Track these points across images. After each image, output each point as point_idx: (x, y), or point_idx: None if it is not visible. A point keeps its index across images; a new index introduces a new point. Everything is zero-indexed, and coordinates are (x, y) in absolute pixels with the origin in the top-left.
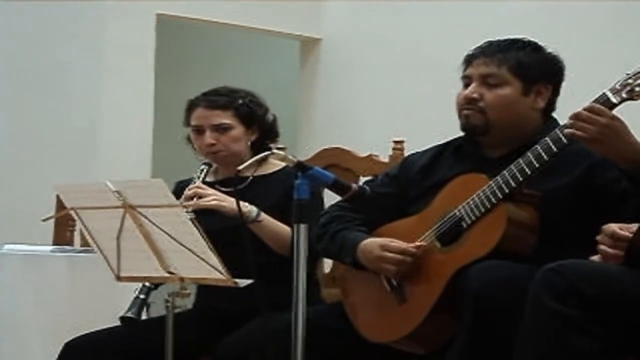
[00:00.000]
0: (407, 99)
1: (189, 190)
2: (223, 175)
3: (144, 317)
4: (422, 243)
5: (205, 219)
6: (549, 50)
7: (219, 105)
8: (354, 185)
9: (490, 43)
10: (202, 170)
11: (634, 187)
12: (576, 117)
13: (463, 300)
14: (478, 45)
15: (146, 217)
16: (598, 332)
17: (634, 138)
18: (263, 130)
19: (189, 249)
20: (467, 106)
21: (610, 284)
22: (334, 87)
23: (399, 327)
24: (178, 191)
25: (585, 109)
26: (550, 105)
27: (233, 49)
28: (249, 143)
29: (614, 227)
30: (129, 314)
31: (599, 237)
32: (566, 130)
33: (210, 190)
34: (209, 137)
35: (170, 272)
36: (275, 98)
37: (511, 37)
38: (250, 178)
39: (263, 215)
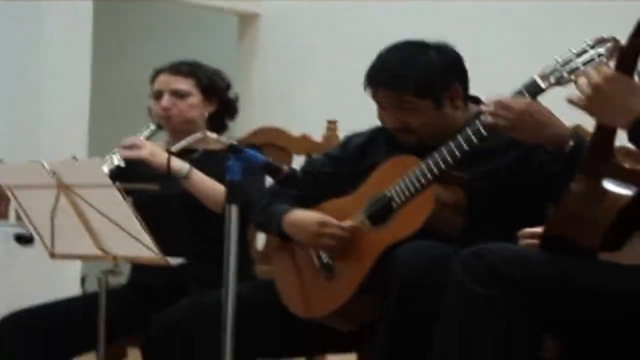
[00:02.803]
0: (344, 78)
1: (128, 140)
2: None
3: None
4: (356, 223)
5: (163, 183)
6: (437, 44)
7: (181, 72)
8: (285, 167)
9: (383, 67)
10: (150, 128)
11: (564, 167)
12: (497, 104)
13: (390, 279)
14: (373, 65)
15: (81, 197)
16: (517, 313)
17: (555, 119)
18: (222, 105)
19: (122, 228)
20: (397, 132)
21: (529, 267)
22: (271, 63)
23: (327, 304)
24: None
25: (502, 98)
26: (467, 93)
27: (170, 23)
28: (205, 115)
29: (527, 230)
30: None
31: (520, 242)
32: (487, 120)
33: (148, 144)
34: (165, 101)
35: (104, 251)
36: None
37: (397, 44)
38: (201, 152)
39: (194, 173)
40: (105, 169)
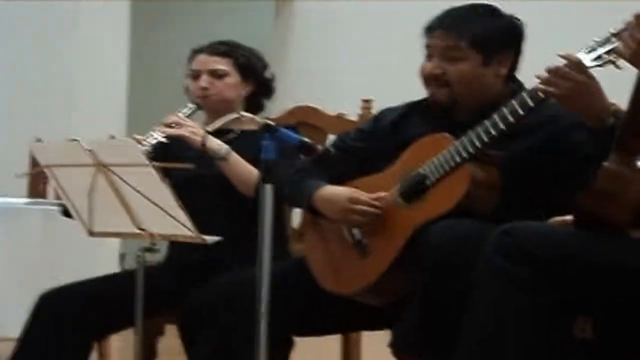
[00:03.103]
0: (380, 57)
1: (170, 117)
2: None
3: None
4: (385, 193)
5: (200, 162)
6: (506, 13)
7: (219, 52)
8: (319, 147)
9: (448, 13)
10: (190, 107)
11: (596, 147)
12: (555, 72)
13: (423, 256)
14: (437, 14)
15: (118, 175)
16: (546, 291)
17: (604, 95)
18: (259, 85)
19: (159, 207)
20: (432, 82)
21: (560, 247)
22: (307, 43)
23: (359, 280)
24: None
25: (563, 65)
26: (513, 68)
27: (208, 1)
28: (243, 94)
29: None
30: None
31: None
32: (540, 85)
33: (189, 122)
34: (203, 81)
35: (141, 229)
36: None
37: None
38: (237, 132)
39: (232, 155)
40: (147, 145)
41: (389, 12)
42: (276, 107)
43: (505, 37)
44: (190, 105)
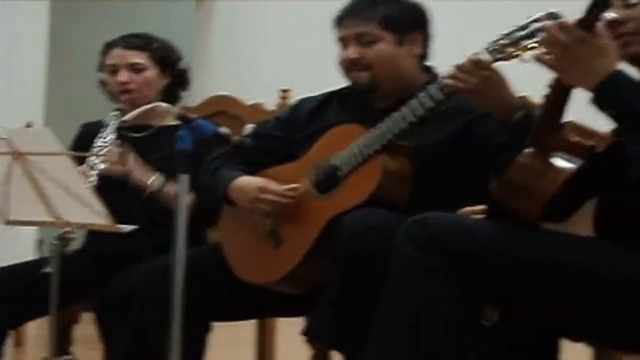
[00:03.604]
0: (299, 47)
1: (110, 155)
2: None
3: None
4: (298, 185)
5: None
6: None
7: (135, 46)
8: (235, 137)
9: (353, 2)
10: (115, 116)
11: (508, 138)
12: (459, 68)
13: (337, 246)
14: (343, 5)
15: (34, 164)
16: (456, 281)
17: (510, 88)
18: (175, 77)
19: (75, 196)
20: (352, 67)
21: (470, 236)
22: (228, 32)
23: (274, 271)
24: (85, 134)
25: (467, 62)
26: (425, 52)
27: None
28: (160, 87)
29: (468, 209)
30: None
31: None
32: (446, 80)
33: (131, 162)
34: (123, 76)
35: (57, 218)
36: (171, 42)
37: None
38: (155, 128)
39: (168, 187)
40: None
41: (308, 1)
42: (197, 96)
43: (412, 17)
44: (114, 112)
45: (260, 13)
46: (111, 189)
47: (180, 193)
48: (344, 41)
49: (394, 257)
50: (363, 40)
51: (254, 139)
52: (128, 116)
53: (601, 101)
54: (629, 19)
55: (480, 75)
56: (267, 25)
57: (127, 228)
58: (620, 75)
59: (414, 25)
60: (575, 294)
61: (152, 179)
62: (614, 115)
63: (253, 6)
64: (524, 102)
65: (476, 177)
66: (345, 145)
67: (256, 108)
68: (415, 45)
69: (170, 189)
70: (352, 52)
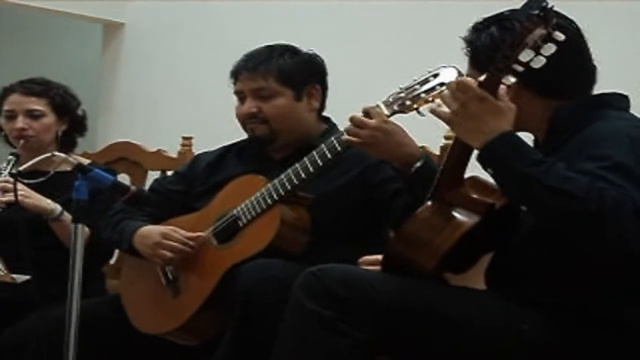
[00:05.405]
0: (205, 91)
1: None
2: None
3: None
4: (201, 233)
5: (12, 207)
6: (305, 51)
7: (34, 92)
8: (133, 187)
9: (249, 56)
10: (10, 161)
11: (406, 186)
12: (351, 120)
13: (234, 296)
14: (240, 59)
15: None
16: (350, 332)
17: (409, 139)
18: (73, 123)
19: None
20: (249, 120)
21: (364, 288)
22: (135, 74)
23: (172, 320)
24: None
25: (360, 115)
26: (323, 104)
27: (33, 31)
28: (58, 133)
29: (366, 257)
30: None
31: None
32: (343, 137)
33: (19, 186)
34: (20, 122)
35: None
36: (76, 83)
37: (267, 44)
38: (52, 172)
39: (66, 215)
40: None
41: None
42: (103, 140)
43: (309, 71)
44: (10, 157)
45: (169, 58)
46: (6, 235)
47: (77, 243)
48: (240, 94)
49: (289, 307)
50: (261, 95)
51: (154, 194)
52: (25, 165)
53: (484, 159)
54: None
55: (369, 126)
56: (175, 71)
57: (21, 278)
58: (509, 137)
59: (311, 79)
60: (454, 343)
61: (49, 202)
62: (494, 175)
63: (162, 51)
64: (424, 152)
65: (374, 224)
66: (248, 195)
67: (158, 155)
68: (313, 98)
69: (69, 217)
70: (250, 106)
